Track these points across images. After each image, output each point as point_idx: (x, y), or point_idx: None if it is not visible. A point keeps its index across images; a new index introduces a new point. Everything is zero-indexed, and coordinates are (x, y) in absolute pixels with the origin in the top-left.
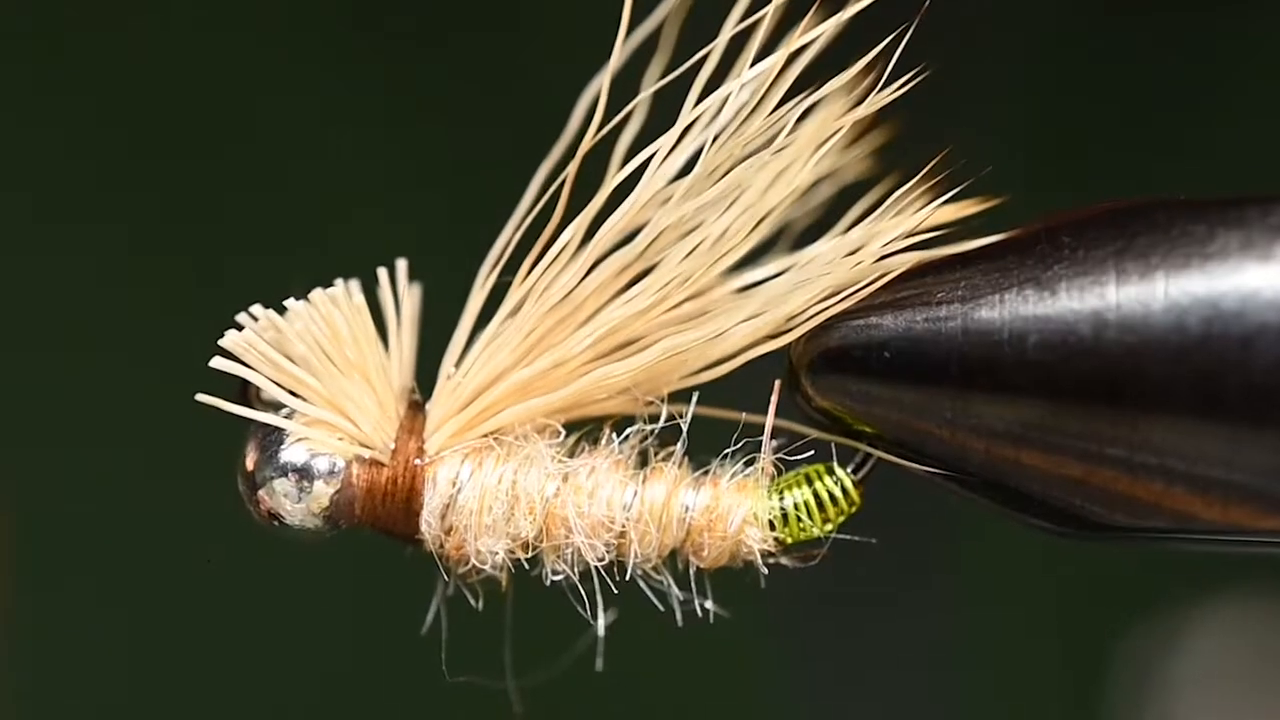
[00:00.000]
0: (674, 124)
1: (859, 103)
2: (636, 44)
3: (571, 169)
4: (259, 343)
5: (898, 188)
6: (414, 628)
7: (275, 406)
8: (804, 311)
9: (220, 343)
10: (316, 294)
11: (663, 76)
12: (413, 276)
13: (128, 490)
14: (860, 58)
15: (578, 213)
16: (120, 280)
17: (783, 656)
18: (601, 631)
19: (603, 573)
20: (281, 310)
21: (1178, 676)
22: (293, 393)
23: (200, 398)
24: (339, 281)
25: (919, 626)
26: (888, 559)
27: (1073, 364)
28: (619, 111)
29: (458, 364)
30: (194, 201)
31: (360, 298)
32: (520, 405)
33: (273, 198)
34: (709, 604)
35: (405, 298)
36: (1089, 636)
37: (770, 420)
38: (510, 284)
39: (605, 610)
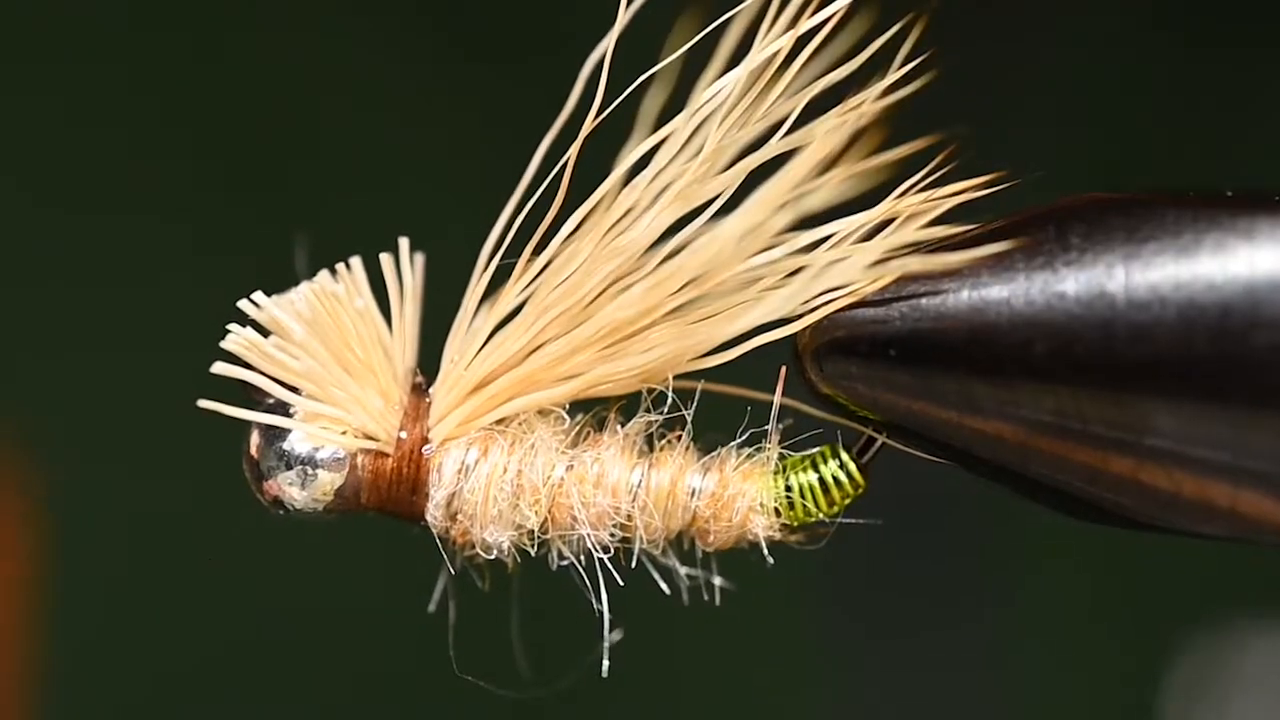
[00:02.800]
0: (683, 107)
1: (871, 93)
2: (640, 33)
3: (573, 151)
4: (260, 340)
5: (910, 179)
6: (421, 614)
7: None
8: (812, 300)
9: (222, 345)
10: (320, 277)
11: (673, 55)
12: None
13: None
14: (889, 54)
15: (581, 195)
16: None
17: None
18: (606, 621)
19: (607, 562)
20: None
21: (1232, 687)
22: (294, 388)
23: (202, 404)
24: (340, 265)
25: (969, 638)
26: (936, 567)
27: (1081, 357)
28: (623, 93)
29: (461, 351)
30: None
31: (363, 280)
32: (525, 398)
33: (266, 183)
34: (717, 579)
35: (408, 279)
36: (1144, 647)
37: (776, 407)
38: (513, 267)
39: (626, 600)
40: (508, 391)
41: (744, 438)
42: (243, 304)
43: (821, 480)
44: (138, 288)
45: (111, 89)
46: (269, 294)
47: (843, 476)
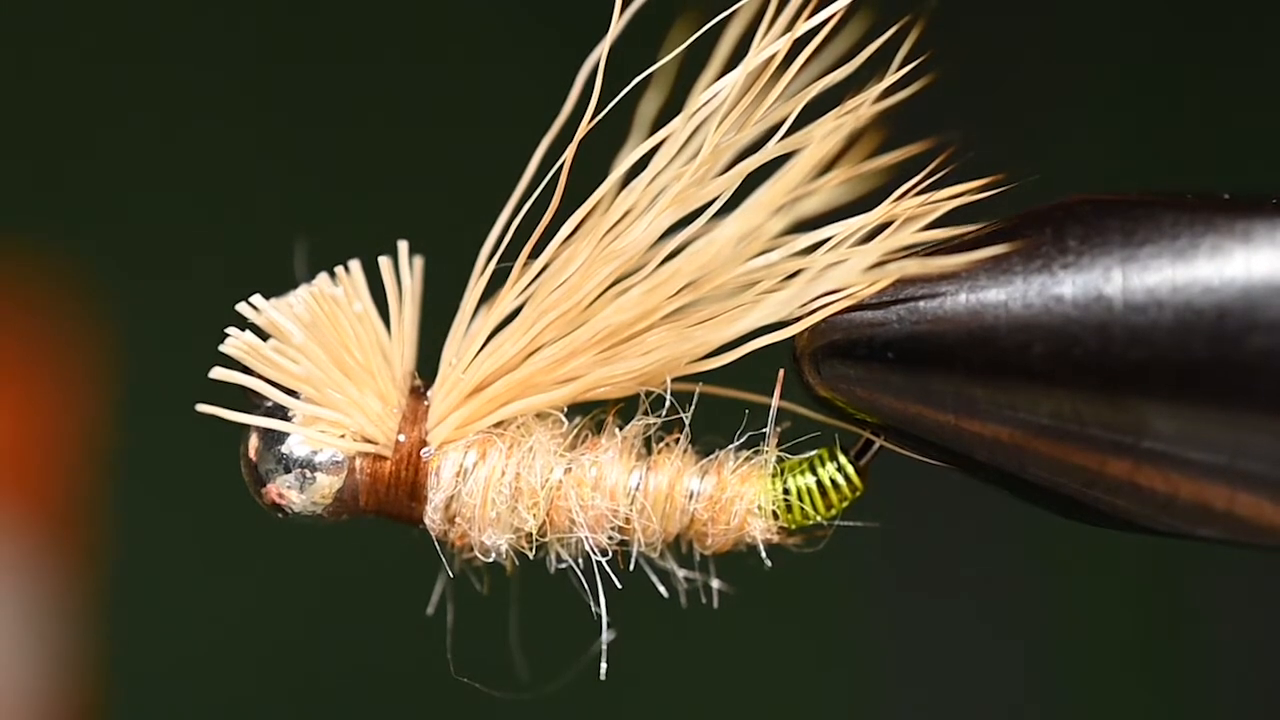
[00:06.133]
0: (680, 109)
1: (868, 95)
2: (641, 27)
3: (569, 153)
4: (259, 343)
5: (909, 182)
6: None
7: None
8: (811, 303)
9: (221, 348)
10: (319, 280)
11: (671, 56)
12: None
13: None
14: (887, 56)
15: (578, 197)
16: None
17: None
18: (604, 623)
19: (605, 565)
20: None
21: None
22: (293, 391)
23: (201, 408)
24: (339, 268)
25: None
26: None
27: (1078, 360)
28: (619, 95)
29: (459, 354)
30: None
31: (362, 283)
32: (523, 401)
33: (265, 184)
34: (715, 582)
35: (407, 282)
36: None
37: (774, 409)
38: (510, 270)
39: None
40: (506, 394)
41: (742, 440)
42: (241, 307)
43: (819, 483)
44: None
45: (112, 88)
46: (268, 297)
47: (841, 479)
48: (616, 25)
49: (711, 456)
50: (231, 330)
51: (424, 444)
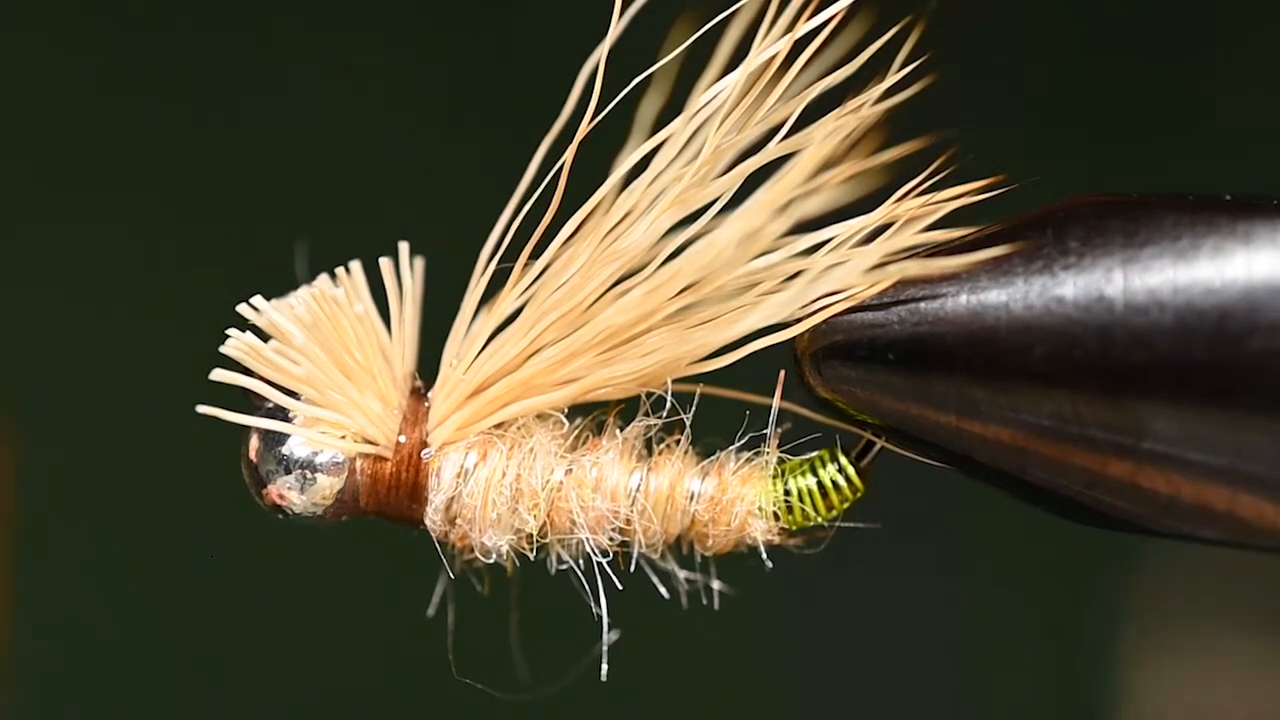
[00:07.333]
0: (680, 111)
1: (869, 96)
2: (638, 35)
3: (569, 155)
4: (260, 344)
5: (909, 183)
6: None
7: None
8: (811, 304)
9: (222, 350)
10: (319, 282)
11: (671, 57)
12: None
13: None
14: (888, 57)
15: (579, 197)
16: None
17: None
18: (605, 624)
19: (606, 566)
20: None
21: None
22: (293, 392)
23: (201, 409)
24: (340, 270)
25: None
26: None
27: (1079, 361)
28: (619, 95)
29: (459, 355)
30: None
31: (363, 284)
32: (524, 403)
33: (266, 186)
34: (715, 583)
35: (408, 283)
36: (1061, 575)
37: (775, 411)
38: (511, 271)
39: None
40: (506, 395)
41: (743, 442)
42: (242, 308)
43: (820, 484)
44: (134, 290)
45: (110, 87)
46: (269, 298)
47: (841, 481)
48: (617, 25)
49: (712, 458)
50: (233, 331)
51: (425, 445)
